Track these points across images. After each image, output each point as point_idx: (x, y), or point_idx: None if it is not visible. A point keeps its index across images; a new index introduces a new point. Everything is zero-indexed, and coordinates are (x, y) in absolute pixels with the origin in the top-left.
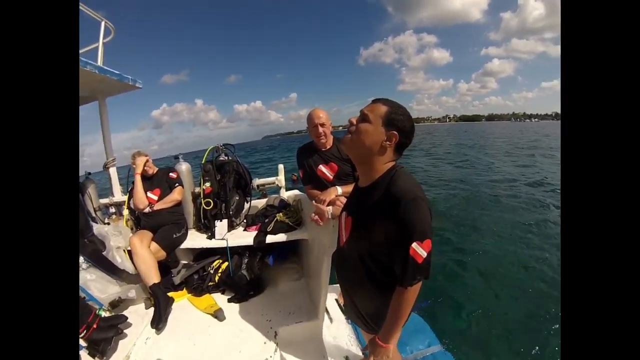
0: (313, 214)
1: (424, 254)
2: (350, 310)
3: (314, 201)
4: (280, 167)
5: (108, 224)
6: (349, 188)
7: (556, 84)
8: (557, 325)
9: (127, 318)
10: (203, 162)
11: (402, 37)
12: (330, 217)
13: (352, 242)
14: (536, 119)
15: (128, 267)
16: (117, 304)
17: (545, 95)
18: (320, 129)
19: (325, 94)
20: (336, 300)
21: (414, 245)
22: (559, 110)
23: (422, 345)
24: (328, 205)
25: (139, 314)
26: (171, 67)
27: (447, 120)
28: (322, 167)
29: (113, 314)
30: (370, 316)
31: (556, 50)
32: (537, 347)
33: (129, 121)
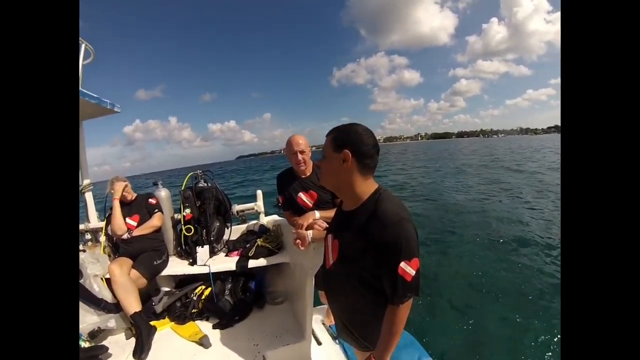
0: (295, 239)
1: (413, 272)
2: (342, 330)
3: (293, 228)
4: (259, 192)
5: (84, 251)
6: (327, 213)
7: (519, 101)
8: (547, 335)
9: (107, 349)
10: (182, 188)
11: (374, 59)
12: (310, 240)
13: (340, 265)
14: (502, 134)
15: (106, 295)
16: (97, 334)
17: (510, 112)
18: (300, 157)
19: (299, 114)
20: (322, 321)
21: (402, 264)
22: (523, 126)
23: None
24: (307, 229)
25: (120, 345)
26: (145, 83)
27: (419, 138)
28: (301, 195)
29: (92, 344)
30: (363, 335)
31: (518, 70)
32: (528, 355)
33: (100, 136)
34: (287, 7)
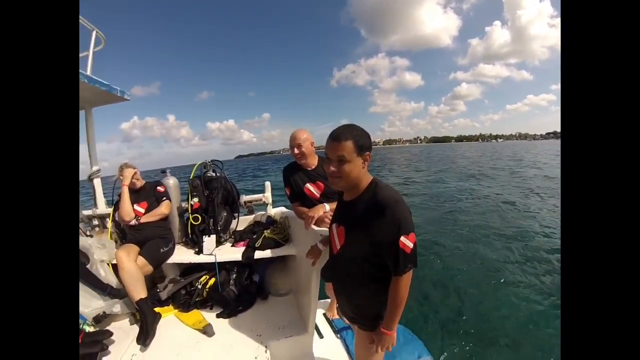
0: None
1: (411, 244)
2: (348, 311)
3: (301, 220)
4: (267, 184)
5: (91, 236)
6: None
7: (520, 106)
8: (551, 331)
9: (112, 334)
10: (191, 177)
11: (374, 60)
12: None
13: (347, 247)
14: (501, 139)
15: (112, 281)
16: (101, 319)
17: (510, 117)
18: (297, 150)
19: (297, 115)
20: (324, 314)
21: (402, 238)
22: (522, 131)
23: (412, 357)
24: (316, 222)
25: (124, 330)
26: (141, 79)
27: (419, 141)
28: (309, 186)
29: (97, 329)
30: (368, 314)
31: (520, 75)
32: (529, 351)
33: (96, 132)
34: (286, 7)
